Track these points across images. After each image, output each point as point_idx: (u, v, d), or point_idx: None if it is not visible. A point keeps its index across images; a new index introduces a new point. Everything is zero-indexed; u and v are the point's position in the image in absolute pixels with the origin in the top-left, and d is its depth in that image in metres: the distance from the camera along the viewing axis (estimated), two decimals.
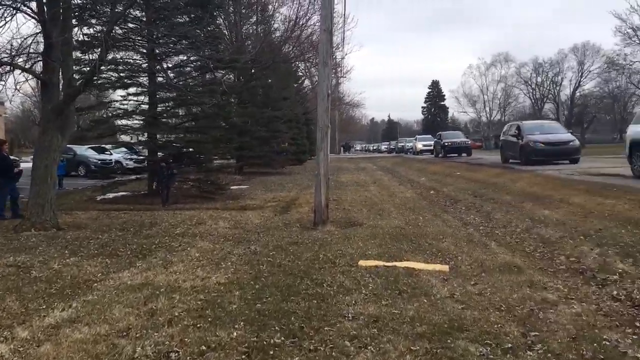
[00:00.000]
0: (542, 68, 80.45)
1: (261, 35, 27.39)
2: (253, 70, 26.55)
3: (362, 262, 7.18)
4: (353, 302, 5.42)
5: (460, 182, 18.60)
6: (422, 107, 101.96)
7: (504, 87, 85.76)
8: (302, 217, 11.78)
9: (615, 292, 5.64)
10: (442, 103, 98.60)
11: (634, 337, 4.34)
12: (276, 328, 4.60)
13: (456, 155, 33.99)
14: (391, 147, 78.35)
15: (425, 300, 5.42)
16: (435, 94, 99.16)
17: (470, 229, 10.17)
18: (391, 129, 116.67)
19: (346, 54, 58.23)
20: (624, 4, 77.52)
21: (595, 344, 4.24)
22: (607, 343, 4.26)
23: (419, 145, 46.89)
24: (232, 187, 18.06)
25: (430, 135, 53.03)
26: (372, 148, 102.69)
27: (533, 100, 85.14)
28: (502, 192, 14.43)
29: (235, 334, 4.47)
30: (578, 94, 76.39)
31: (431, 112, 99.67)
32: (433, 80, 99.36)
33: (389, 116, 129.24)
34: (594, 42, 79.79)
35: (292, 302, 5.35)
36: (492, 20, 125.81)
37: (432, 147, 41.79)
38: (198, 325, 4.67)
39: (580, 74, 75.77)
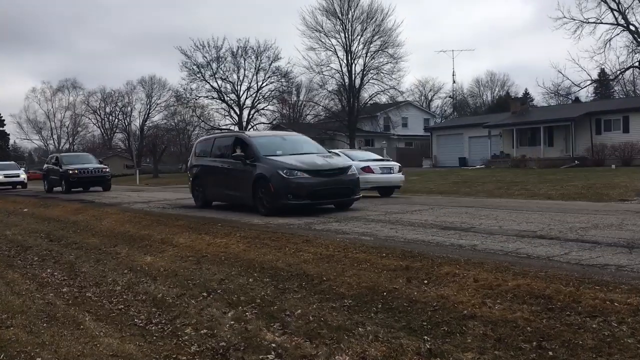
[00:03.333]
0: (111, 98, 79.42)
1: None
2: None
3: None
4: None
5: (30, 222, 14.88)
6: None
7: (72, 115, 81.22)
8: None
9: None
10: (2, 129, 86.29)
11: None
12: None
13: (82, 189, 23.66)
14: None
15: None
16: None
17: (50, 294, 7.23)
18: None
19: None
20: (190, 41, 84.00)
21: None
22: None
23: (0, 177, 32.69)
24: None
25: (14, 162, 39.36)
26: None
27: (103, 130, 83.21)
28: (86, 234, 11.70)
29: None
30: (148, 124, 78.12)
31: None
32: None
33: None
34: (160, 77, 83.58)
35: None
36: (58, 45, 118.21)
37: (20, 179, 32.08)
38: None
39: (148, 106, 77.76)
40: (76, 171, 23.20)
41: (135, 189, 27.80)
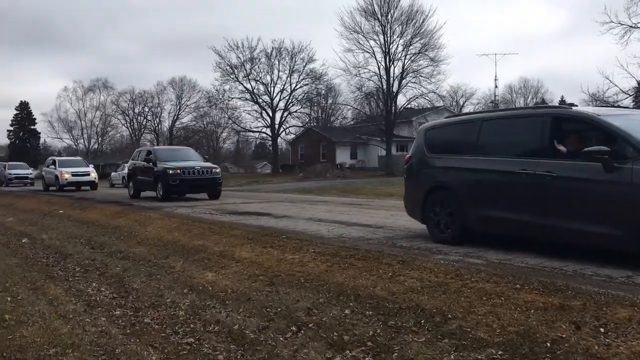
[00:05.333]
0: (141, 99, 79.16)
1: None
2: None
3: None
4: None
5: (67, 225, 13.89)
6: (8, 130, 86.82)
7: (102, 115, 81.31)
8: None
9: None
10: (33, 127, 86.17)
11: None
12: None
13: (175, 196, 17.74)
14: None
15: None
16: (24, 117, 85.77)
17: (101, 319, 6.09)
18: None
19: None
20: (224, 41, 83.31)
21: None
22: None
23: (67, 175, 26.44)
24: None
25: (81, 159, 33.89)
26: None
27: (131, 131, 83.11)
28: (131, 241, 10.61)
29: None
30: (178, 125, 77.72)
31: (20, 136, 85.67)
32: (22, 102, 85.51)
33: None
34: (191, 78, 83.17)
35: None
36: (90, 46, 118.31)
37: (91, 179, 27.14)
38: None
39: (178, 107, 77.26)
40: (179, 171, 16.91)
41: None
